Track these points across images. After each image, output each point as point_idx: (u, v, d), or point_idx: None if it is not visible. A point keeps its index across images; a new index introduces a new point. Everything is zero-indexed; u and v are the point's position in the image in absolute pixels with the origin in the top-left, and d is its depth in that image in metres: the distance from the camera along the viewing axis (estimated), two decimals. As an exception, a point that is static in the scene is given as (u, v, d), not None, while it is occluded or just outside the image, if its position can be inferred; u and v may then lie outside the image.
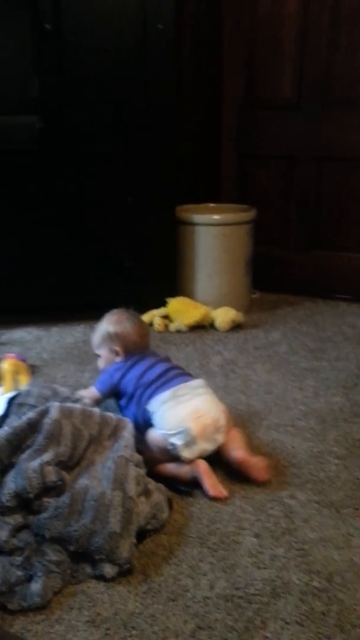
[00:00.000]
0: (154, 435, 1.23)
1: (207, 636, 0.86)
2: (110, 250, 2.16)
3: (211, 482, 1.16)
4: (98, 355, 1.50)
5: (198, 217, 2.22)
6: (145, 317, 2.22)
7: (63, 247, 2.12)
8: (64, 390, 1.19)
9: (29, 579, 0.92)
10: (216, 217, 2.22)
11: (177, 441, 1.17)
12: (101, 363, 1.49)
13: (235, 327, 2.18)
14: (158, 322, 2.18)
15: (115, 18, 1.95)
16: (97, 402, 1.36)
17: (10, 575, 0.91)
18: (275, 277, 2.58)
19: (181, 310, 2.19)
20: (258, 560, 1.01)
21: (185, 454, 1.17)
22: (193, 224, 2.22)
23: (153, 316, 2.21)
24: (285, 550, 1.03)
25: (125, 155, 2.08)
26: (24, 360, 1.73)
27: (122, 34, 1.97)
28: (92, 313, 2.22)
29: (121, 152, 2.07)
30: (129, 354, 1.43)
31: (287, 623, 0.88)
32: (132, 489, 1.03)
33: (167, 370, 1.35)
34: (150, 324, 2.21)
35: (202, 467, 1.18)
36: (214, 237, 2.22)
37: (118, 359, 1.45)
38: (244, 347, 2.01)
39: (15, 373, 1.59)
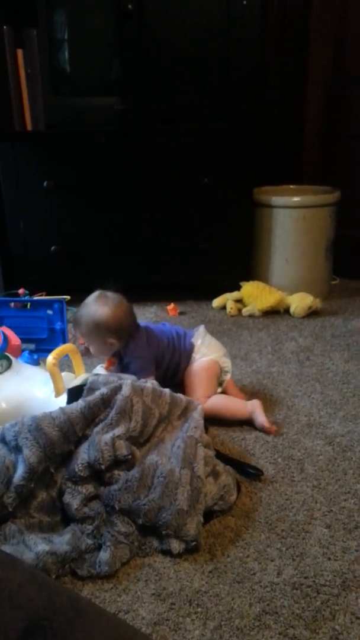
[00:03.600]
0: (205, 362, 1.42)
1: (273, 621, 0.85)
2: (185, 232, 2.16)
3: (265, 417, 1.34)
4: (85, 341, 1.41)
5: (276, 199, 2.16)
6: (219, 300, 2.21)
7: (139, 227, 2.14)
8: (127, 377, 1.20)
9: (99, 547, 0.95)
10: (295, 199, 2.15)
11: (228, 361, 1.44)
12: (93, 350, 1.41)
13: (312, 313, 2.11)
14: (231, 306, 2.15)
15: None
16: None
17: (80, 543, 0.94)
18: (357, 262, 2.47)
19: (255, 295, 2.15)
20: (329, 551, 0.98)
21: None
22: (271, 206, 2.16)
23: (226, 299, 2.20)
24: (358, 544, 0.99)
25: (204, 136, 2.06)
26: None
27: (204, 12, 1.94)
28: (165, 294, 2.25)
29: (200, 132, 2.05)
30: (123, 339, 1.38)
31: (357, 617, 0.85)
32: (200, 468, 1.03)
33: (170, 327, 1.49)
34: (223, 307, 2.20)
35: (258, 403, 1.37)
36: (293, 219, 2.15)
37: (114, 347, 1.38)
38: (321, 335, 1.94)
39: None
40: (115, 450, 1.00)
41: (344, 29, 2.32)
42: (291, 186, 2.37)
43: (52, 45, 2.00)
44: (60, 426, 1.01)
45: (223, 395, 1.43)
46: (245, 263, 2.22)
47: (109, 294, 1.41)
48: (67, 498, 0.98)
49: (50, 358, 1.19)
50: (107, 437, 1.01)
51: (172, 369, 1.43)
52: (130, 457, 1.01)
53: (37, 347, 1.78)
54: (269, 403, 1.48)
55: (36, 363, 1.55)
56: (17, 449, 1.01)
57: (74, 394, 1.16)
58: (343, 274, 2.45)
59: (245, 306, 2.16)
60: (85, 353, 1.49)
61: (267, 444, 1.29)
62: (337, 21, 2.32)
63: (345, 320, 2.07)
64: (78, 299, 2.08)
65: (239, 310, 2.16)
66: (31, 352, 1.65)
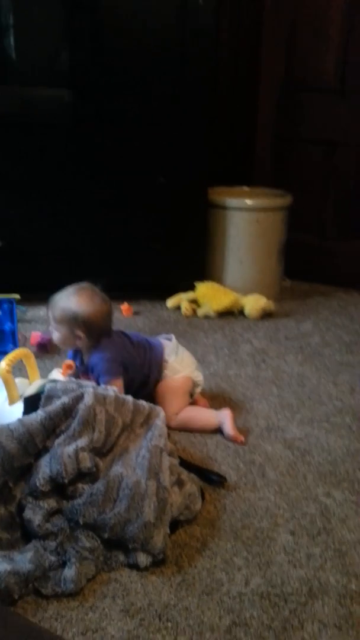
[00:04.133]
0: (179, 379, 1.39)
1: (243, 633, 0.84)
2: (139, 231, 2.12)
3: (233, 426, 1.34)
4: (53, 327, 1.36)
5: (231, 201, 2.16)
6: (173, 301, 2.20)
7: (91, 225, 2.08)
8: (88, 384, 1.16)
9: (63, 564, 0.91)
10: (250, 201, 2.16)
11: (199, 375, 1.44)
12: (57, 340, 1.36)
13: (266, 315, 2.13)
14: (186, 307, 2.14)
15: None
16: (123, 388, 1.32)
17: (44, 560, 0.90)
18: (307, 265, 2.52)
19: (210, 296, 2.15)
20: (294, 558, 0.99)
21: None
22: (225, 208, 2.17)
23: (181, 300, 2.18)
24: (321, 550, 1.01)
25: (159, 134, 2.02)
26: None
27: (159, 7, 1.90)
28: (117, 293, 2.20)
29: (154, 129, 2.02)
30: (91, 338, 1.34)
31: (324, 625, 0.86)
32: (166, 478, 1.01)
33: (142, 337, 1.46)
34: (178, 308, 2.18)
35: (228, 412, 1.37)
36: (247, 222, 2.16)
37: (79, 342, 1.34)
38: (275, 337, 1.97)
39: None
40: (78, 462, 0.96)
41: (295, 34, 2.35)
42: (245, 188, 2.39)
43: (6, 33, 1.90)
44: (19, 439, 0.97)
45: (190, 408, 1.40)
46: (199, 264, 2.22)
47: (97, 290, 1.37)
48: (28, 514, 0.94)
49: (3, 364, 1.13)
50: (70, 449, 0.97)
51: (140, 380, 1.38)
52: (94, 469, 0.98)
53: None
54: (228, 407, 1.47)
55: None
56: (-27, 463, 0.96)
57: (31, 402, 1.11)
58: (292, 275, 2.50)
59: (199, 307, 2.16)
60: (40, 351, 1.44)
61: (228, 449, 1.29)
62: (289, 26, 2.35)
63: (297, 322, 2.11)
64: (26, 297, 2.02)
65: (194, 311, 2.15)
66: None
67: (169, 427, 1.23)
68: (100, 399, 1.06)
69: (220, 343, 1.90)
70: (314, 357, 1.81)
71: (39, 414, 1.00)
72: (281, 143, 2.50)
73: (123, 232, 2.11)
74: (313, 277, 2.53)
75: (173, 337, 1.47)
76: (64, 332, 1.35)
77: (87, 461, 0.97)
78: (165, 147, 2.03)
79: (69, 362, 1.41)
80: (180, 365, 1.41)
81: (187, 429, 1.36)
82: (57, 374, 1.40)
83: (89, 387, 1.13)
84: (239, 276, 2.23)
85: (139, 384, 1.38)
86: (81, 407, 1.03)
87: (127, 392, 1.24)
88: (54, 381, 1.17)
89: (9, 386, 1.13)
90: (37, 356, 1.66)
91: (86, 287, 1.37)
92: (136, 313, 2.13)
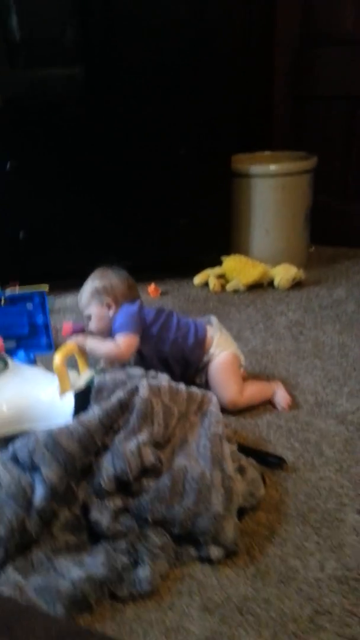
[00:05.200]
0: (228, 356, 1.35)
1: (327, 621, 0.83)
2: (161, 207, 2.06)
3: (285, 396, 1.34)
4: (88, 318, 1.38)
5: (255, 168, 2.08)
6: (200, 277, 2.15)
7: (114, 206, 2.02)
8: (136, 371, 1.13)
9: (135, 564, 0.89)
10: (274, 167, 2.08)
11: (241, 354, 1.40)
12: (94, 324, 1.36)
13: (296, 284, 2.08)
14: (214, 282, 2.09)
15: None
16: (133, 349, 1.29)
17: (116, 562, 0.88)
18: (331, 229, 2.45)
19: (238, 269, 2.09)
20: (366, 539, 0.97)
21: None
22: (249, 176, 2.09)
23: (208, 276, 2.13)
24: (394, 528, 0.98)
25: (176, 104, 1.94)
26: (82, 329, 1.68)
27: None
28: (143, 274, 2.15)
29: (171, 100, 1.93)
30: (119, 304, 1.35)
31: None
32: (230, 467, 0.99)
33: (171, 313, 1.40)
34: (206, 284, 2.13)
35: (280, 384, 1.38)
36: (272, 189, 2.08)
37: (111, 312, 1.35)
38: (309, 307, 1.92)
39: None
40: (142, 458, 0.94)
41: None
42: (266, 152, 2.30)
43: (8, 14, 1.81)
44: (79, 439, 0.94)
45: (248, 383, 1.37)
46: (225, 237, 2.16)
47: (111, 267, 1.42)
48: (94, 515, 0.92)
49: (58, 359, 1.12)
50: (132, 445, 0.95)
51: (181, 358, 1.35)
52: (158, 464, 0.95)
53: (19, 345, 1.67)
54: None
55: (33, 362, 1.46)
56: (33, 468, 0.94)
57: (82, 397, 1.08)
58: (318, 241, 2.43)
59: (228, 281, 2.11)
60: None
61: (280, 429, 1.26)
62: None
63: (329, 289, 2.06)
64: (54, 286, 1.98)
65: (223, 286, 2.10)
66: (26, 351, 1.55)
67: (237, 408, 1.31)
68: (155, 390, 1.03)
69: (254, 318, 1.86)
70: (352, 325, 1.77)
71: (95, 412, 0.98)
72: (300, 102, 2.40)
73: (144, 210, 2.04)
74: (337, 240, 2.45)
75: (214, 318, 1.44)
76: (95, 310, 1.36)
77: (150, 456, 0.95)
78: (184, 116, 1.94)
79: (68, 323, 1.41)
80: (225, 342, 1.39)
81: (250, 405, 1.34)
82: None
83: (137, 376, 1.10)
84: (266, 246, 2.17)
85: (183, 365, 1.35)
86: (137, 400, 1.00)
87: (172, 375, 1.21)
88: (102, 372, 1.14)
89: (62, 379, 1.12)
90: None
91: (101, 268, 1.42)
92: (164, 293, 2.08)
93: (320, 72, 2.28)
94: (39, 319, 1.64)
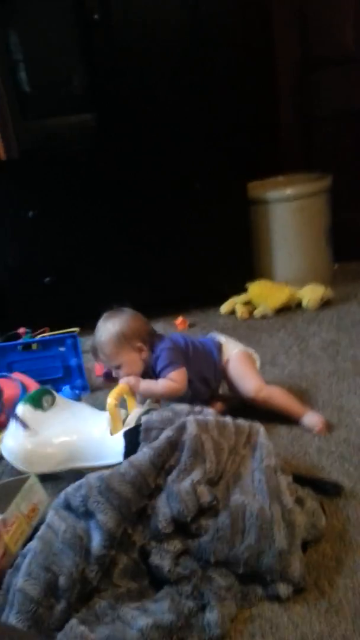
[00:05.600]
0: (242, 352, 1.40)
1: None
2: (184, 242, 2.07)
3: (319, 418, 1.30)
4: (117, 367, 1.33)
5: (271, 194, 2.09)
6: (227, 306, 2.14)
7: (135, 245, 2.05)
8: (182, 408, 1.11)
9: (202, 608, 0.86)
10: (291, 190, 2.09)
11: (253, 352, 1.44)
12: (127, 369, 1.31)
13: (325, 304, 2.06)
14: (241, 310, 2.09)
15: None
16: (186, 380, 1.31)
17: (182, 607, 0.85)
18: (351, 244, 2.43)
19: (264, 294, 2.08)
20: None
21: None
22: (267, 202, 2.10)
23: (234, 304, 2.13)
24: None
25: (187, 139, 1.97)
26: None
27: (173, 10, 1.85)
28: (169, 307, 2.16)
29: (182, 136, 1.97)
30: (148, 342, 1.34)
31: None
32: (288, 500, 0.95)
33: (187, 336, 1.44)
34: (232, 312, 2.13)
35: (320, 418, 1.32)
36: (291, 212, 2.09)
37: (144, 355, 1.32)
38: (341, 325, 1.89)
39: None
40: (198, 497, 0.91)
41: (306, 8, 2.27)
42: (279, 177, 2.31)
43: (17, 68, 1.89)
44: (132, 482, 0.92)
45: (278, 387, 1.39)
46: (248, 264, 2.16)
47: (116, 308, 1.39)
48: (155, 560, 0.89)
49: (111, 400, 1.14)
50: (186, 484, 0.92)
51: (200, 376, 1.37)
52: (215, 502, 0.92)
53: (54, 388, 1.67)
54: (316, 407, 1.41)
55: (77, 398, 1.46)
56: (88, 515, 0.92)
57: (131, 436, 1.07)
58: (340, 258, 2.41)
59: (255, 308, 2.10)
60: (108, 381, 1.44)
61: (332, 455, 1.23)
62: (299, 3, 2.27)
63: (359, 306, 2.03)
64: (84, 328, 1.99)
65: (250, 313, 2.09)
66: (72, 387, 1.56)
67: (262, 398, 1.34)
68: (203, 426, 1.01)
69: (286, 341, 1.83)
70: (389, 340, 1.73)
71: (146, 452, 0.96)
72: (307, 124, 2.42)
73: (168, 246, 2.06)
74: (358, 255, 2.44)
75: (213, 331, 1.52)
76: (126, 357, 1.32)
77: (206, 495, 0.92)
78: (196, 151, 1.98)
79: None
80: (233, 343, 1.44)
81: (273, 407, 1.34)
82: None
83: (184, 412, 1.09)
84: (290, 269, 2.16)
85: (216, 377, 1.40)
86: (187, 438, 0.98)
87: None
88: (149, 411, 1.13)
89: (115, 419, 1.13)
90: (105, 386, 1.64)
91: (106, 314, 1.36)
92: (192, 325, 2.08)
93: (324, 92, 2.31)
94: (72, 361, 1.65)
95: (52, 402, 1.22)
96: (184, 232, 2.06)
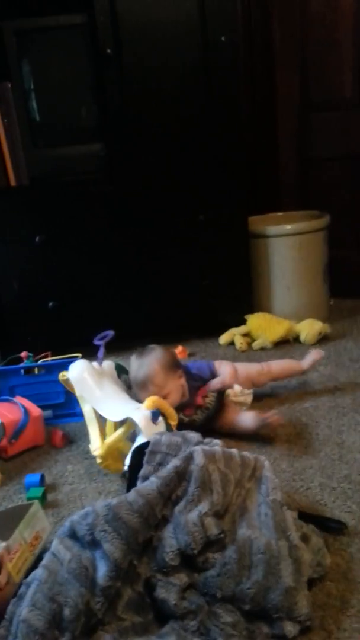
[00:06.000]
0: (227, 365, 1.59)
1: None
2: (185, 272, 2.10)
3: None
4: (165, 396, 1.38)
5: (271, 229, 2.14)
6: (226, 337, 2.16)
7: (137, 274, 2.07)
8: (193, 436, 1.11)
9: (208, 645, 0.84)
10: (290, 227, 2.14)
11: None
12: (174, 396, 1.42)
13: (322, 339, 2.08)
14: (240, 341, 2.10)
15: (175, 34, 1.89)
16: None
17: (188, 644, 0.83)
18: (346, 281, 2.48)
19: (263, 327, 2.10)
20: None
21: None
22: (266, 236, 2.14)
23: (233, 335, 2.14)
24: None
25: (193, 174, 2.02)
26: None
27: (183, 51, 1.91)
28: (168, 337, 2.17)
29: (188, 171, 2.01)
30: (180, 371, 1.48)
31: None
32: (295, 536, 0.95)
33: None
34: (231, 343, 2.14)
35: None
36: (289, 247, 2.13)
37: (183, 381, 1.46)
38: (339, 361, 1.91)
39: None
40: (205, 530, 0.91)
41: (308, 54, 2.36)
42: (278, 214, 2.37)
43: (29, 97, 1.93)
44: (139, 511, 0.91)
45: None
46: (247, 296, 2.18)
47: (144, 348, 1.48)
48: (160, 593, 0.88)
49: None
50: (194, 516, 0.92)
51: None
52: (222, 535, 0.92)
53: (55, 413, 1.66)
54: (317, 442, 1.41)
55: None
56: (94, 544, 0.90)
57: (138, 454, 1.07)
58: (335, 294, 2.45)
59: (253, 339, 2.11)
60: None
61: (334, 491, 1.23)
62: (301, 46, 2.37)
63: (356, 342, 2.05)
64: (85, 354, 1.98)
65: (249, 344, 2.10)
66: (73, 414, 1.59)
67: (235, 380, 1.54)
68: (211, 457, 1.01)
69: (285, 374, 1.84)
70: (386, 377, 1.75)
71: (154, 482, 0.95)
72: (305, 164, 2.50)
73: (170, 276, 2.08)
74: (353, 292, 2.48)
75: None
76: (174, 385, 1.43)
77: (213, 527, 0.91)
78: (201, 183, 2.02)
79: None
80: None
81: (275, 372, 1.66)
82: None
83: (193, 441, 1.08)
84: (288, 302, 2.19)
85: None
86: (194, 468, 0.98)
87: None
88: (160, 435, 1.13)
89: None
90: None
91: (138, 352, 1.47)
92: (191, 354, 2.09)
93: (323, 134, 2.39)
94: (74, 387, 1.63)
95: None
96: (186, 263, 2.08)
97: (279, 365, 1.70)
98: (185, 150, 1.99)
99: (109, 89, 1.91)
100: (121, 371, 1.46)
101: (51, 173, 1.98)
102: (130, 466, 1.09)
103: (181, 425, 1.31)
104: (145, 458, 1.06)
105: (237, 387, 1.52)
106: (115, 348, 2.16)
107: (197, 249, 2.08)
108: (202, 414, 1.48)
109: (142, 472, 1.03)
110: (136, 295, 2.07)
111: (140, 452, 1.07)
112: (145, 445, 1.08)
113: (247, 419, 1.44)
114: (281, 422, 1.44)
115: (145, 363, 1.42)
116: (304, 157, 2.50)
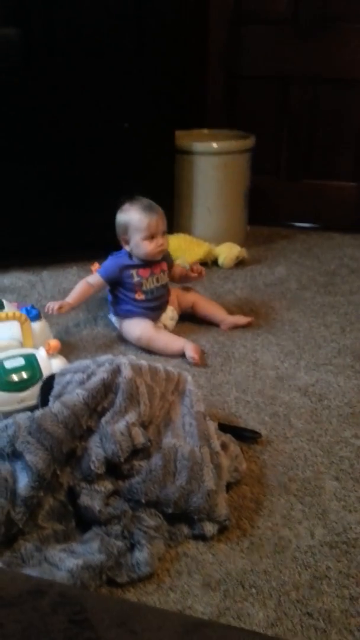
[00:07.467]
0: None
1: (326, 585, 0.85)
2: (105, 183, 1.97)
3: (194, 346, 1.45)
4: (163, 234, 1.56)
5: (198, 145, 2.06)
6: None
7: (50, 181, 1.91)
8: (105, 358, 1.07)
9: (131, 547, 0.86)
10: (217, 145, 2.07)
11: None
12: (165, 238, 1.55)
13: (239, 263, 2.10)
14: (158, 261, 2.06)
15: None
16: (101, 288, 1.56)
17: (112, 547, 0.84)
18: (264, 208, 2.49)
19: (183, 247, 2.07)
20: (347, 503, 1.00)
21: None
22: (192, 153, 2.06)
23: (151, 254, 2.09)
24: (371, 491, 1.03)
25: (120, 76, 1.86)
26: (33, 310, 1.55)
27: None
28: (83, 252, 2.07)
29: (116, 72, 1.85)
30: None
31: None
32: (216, 444, 0.98)
33: None
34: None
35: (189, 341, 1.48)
36: (214, 167, 2.08)
37: (127, 248, 1.53)
38: (255, 285, 1.94)
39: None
40: (132, 439, 0.90)
41: None
42: (205, 131, 2.28)
43: None
44: (64, 422, 0.88)
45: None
46: (169, 215, 2.11)
47: (138, 199, 1.56)
48: (85, 500, 0.87)
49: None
50: (121, 426, 0.90)
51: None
52: (148, 444, 0.92)
53: None
54: (234, 361, 1.45)
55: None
56: (15, 455, 0.87)
57: (47, 381, 1.02)
58: (252, 221, 2.46)
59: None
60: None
61: (248, 404, 1.28)
62: None
63: (270, 267, 2.10)
64: None
65: (167, 265, 2.07)
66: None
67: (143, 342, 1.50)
68: (137, 370, 0.99)
69: (203, 296, 1.85)
70: (298, 302, 1.82)
71: (80, 393, 0.92)
72: (233, 81, 2.40)
73: (87, 186, 1.95)
74: (270, 220, 2.50)
75: None
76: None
77: (140, 436, 0.91)
78: (128, 90, 1.87)
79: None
80: None
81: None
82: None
83: (102, 359, 1.05)
84: (208, 225, 2.16)
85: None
86: (122, 380, 0.95)
87: None
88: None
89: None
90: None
91: (140, 201, 1.54)
92: (107, 271, 2.01)
93: (253, 50, 2.30)
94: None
95: None
96: (108, 173, 1.95)
97: (209, 302, 1.69)
98: (115, 50, 1.82)
99: None
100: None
101: None
102: (41, 388, 1.03)
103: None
104: (55, 380, 1.01)
105: (170, 311, 1.59)
106: (26, 261, 2.05)
107: (121, 159, 1.95)
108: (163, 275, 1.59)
109: (53, 392, 0.98)
110: (52, 204, 1.93)
111: (49, 380, 1.02)
112: (51, 377, 1.03)
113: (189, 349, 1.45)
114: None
115: (156, 207, 1.51)
116: (233, 73, 2.39)
